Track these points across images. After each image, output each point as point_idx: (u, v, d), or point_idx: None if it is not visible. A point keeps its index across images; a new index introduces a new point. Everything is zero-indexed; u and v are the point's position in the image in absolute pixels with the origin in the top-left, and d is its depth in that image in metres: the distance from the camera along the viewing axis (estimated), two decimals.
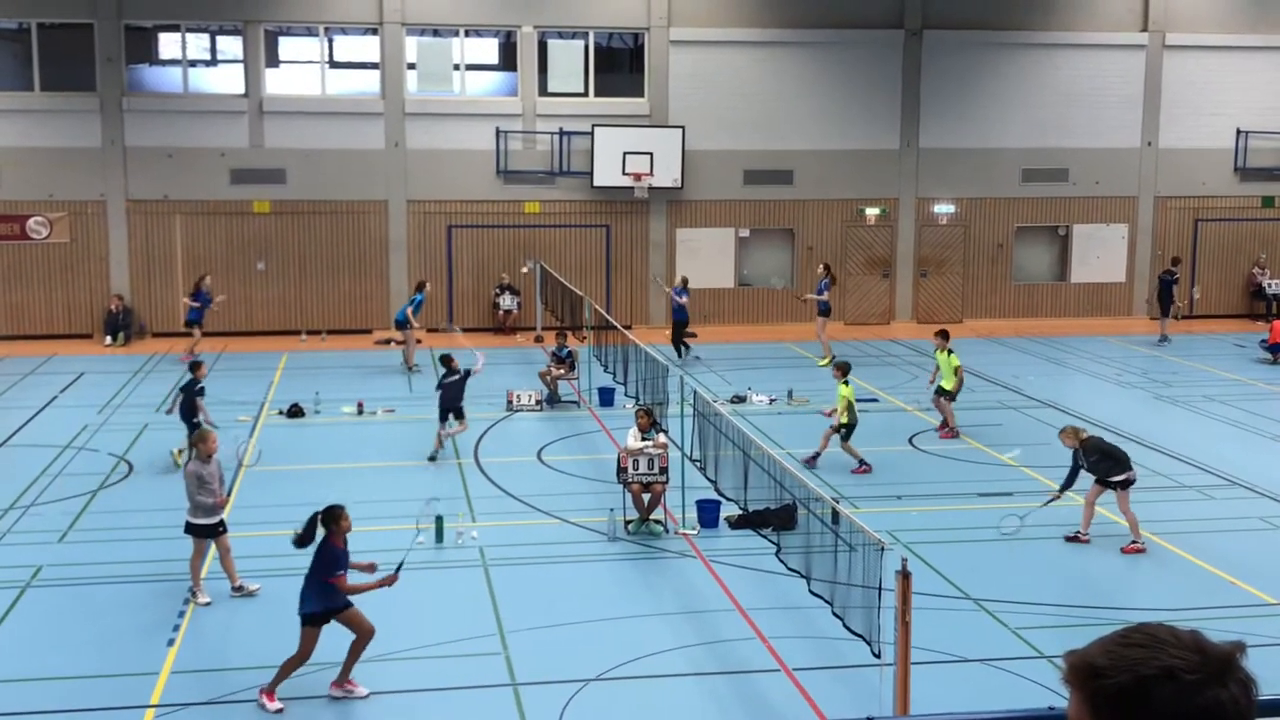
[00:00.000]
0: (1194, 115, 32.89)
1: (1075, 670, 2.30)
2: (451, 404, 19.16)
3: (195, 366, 19.01)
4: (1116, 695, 2.22)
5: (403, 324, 25.71)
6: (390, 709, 11.04)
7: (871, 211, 32.27)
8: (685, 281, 27.64)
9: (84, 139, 29.22)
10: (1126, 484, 14.85)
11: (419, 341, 26.09)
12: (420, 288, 26.27)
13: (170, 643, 12.23)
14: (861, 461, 18.26)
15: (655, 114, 30.97)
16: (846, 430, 18.19)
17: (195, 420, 18.44)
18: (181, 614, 12.93)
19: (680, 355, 26.42)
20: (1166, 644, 2.24)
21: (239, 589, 13.41)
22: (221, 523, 13.48)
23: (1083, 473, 14.97)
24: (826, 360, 26.40)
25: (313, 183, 30.05)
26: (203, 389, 18.72)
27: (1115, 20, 32.51)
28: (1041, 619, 12.81)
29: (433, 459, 18.84)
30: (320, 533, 11.27)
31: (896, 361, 27.12)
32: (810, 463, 18.31)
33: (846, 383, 18.43)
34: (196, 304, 26.50)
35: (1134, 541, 14.83)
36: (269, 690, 10.97)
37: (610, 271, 31.40)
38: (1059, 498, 15.12)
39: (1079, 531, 15.08)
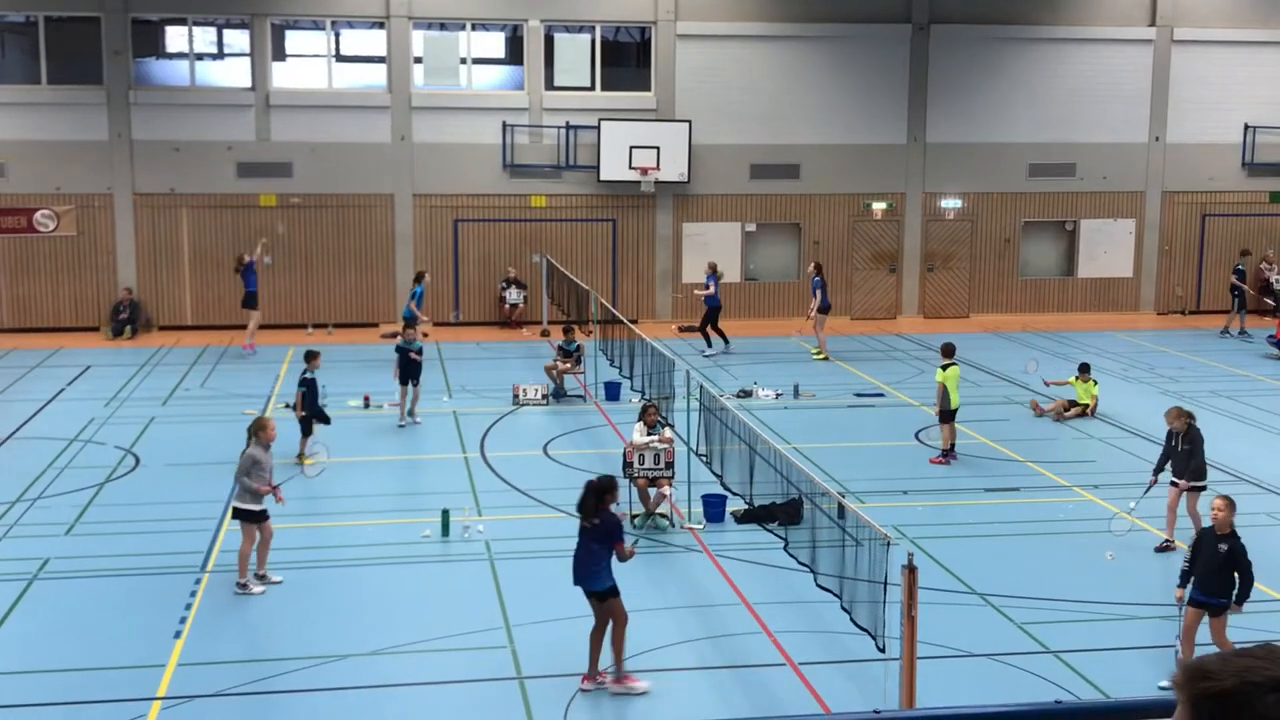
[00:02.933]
0: (1202, 110, 32.79)
1: (1186, 672, 2.32)
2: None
3: (310, 357, 18.77)
4: (1218, 698, 2.24)
5: (411, 320, 25.72)
6: (396, 702, 11.06)
7: (878, 206, 32.22)
8: (713, 267, 27.58)
9: (91, 132, 29.24)
10: (1196, 489, 14.67)
11: (425, 335, 26.08)
12: (419, 279, 26.36)
13: (177, 635, 12.26)
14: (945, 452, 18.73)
15: (662, 108, 30.94)
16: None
17: (318, 410, 18.47)
18: (188, 606, 12.97)
19: (710, 344, 26.92)
20: None
21: (261, 577, 13.46)
22: (264, 509, 13.53)
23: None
24: (822, 354, 26.43)
25: (319, 176, 30.06)
26: (313, 380, 18.43)
27: (1123, 15, 32.43)
28: (1047, 614, 12.81)
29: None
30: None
31: (902, 356, 27.09)
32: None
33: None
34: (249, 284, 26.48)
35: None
36: (621, 676, 11.04)
37: (617, 266, 31.40)
38: (1155, 483, 14.81)
39: (1167, 540, 14.81)
